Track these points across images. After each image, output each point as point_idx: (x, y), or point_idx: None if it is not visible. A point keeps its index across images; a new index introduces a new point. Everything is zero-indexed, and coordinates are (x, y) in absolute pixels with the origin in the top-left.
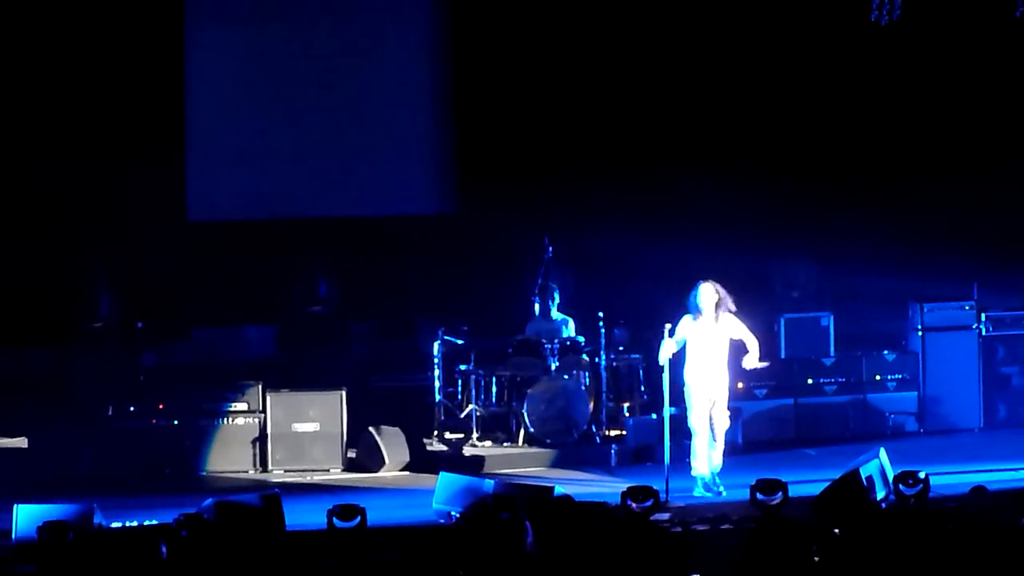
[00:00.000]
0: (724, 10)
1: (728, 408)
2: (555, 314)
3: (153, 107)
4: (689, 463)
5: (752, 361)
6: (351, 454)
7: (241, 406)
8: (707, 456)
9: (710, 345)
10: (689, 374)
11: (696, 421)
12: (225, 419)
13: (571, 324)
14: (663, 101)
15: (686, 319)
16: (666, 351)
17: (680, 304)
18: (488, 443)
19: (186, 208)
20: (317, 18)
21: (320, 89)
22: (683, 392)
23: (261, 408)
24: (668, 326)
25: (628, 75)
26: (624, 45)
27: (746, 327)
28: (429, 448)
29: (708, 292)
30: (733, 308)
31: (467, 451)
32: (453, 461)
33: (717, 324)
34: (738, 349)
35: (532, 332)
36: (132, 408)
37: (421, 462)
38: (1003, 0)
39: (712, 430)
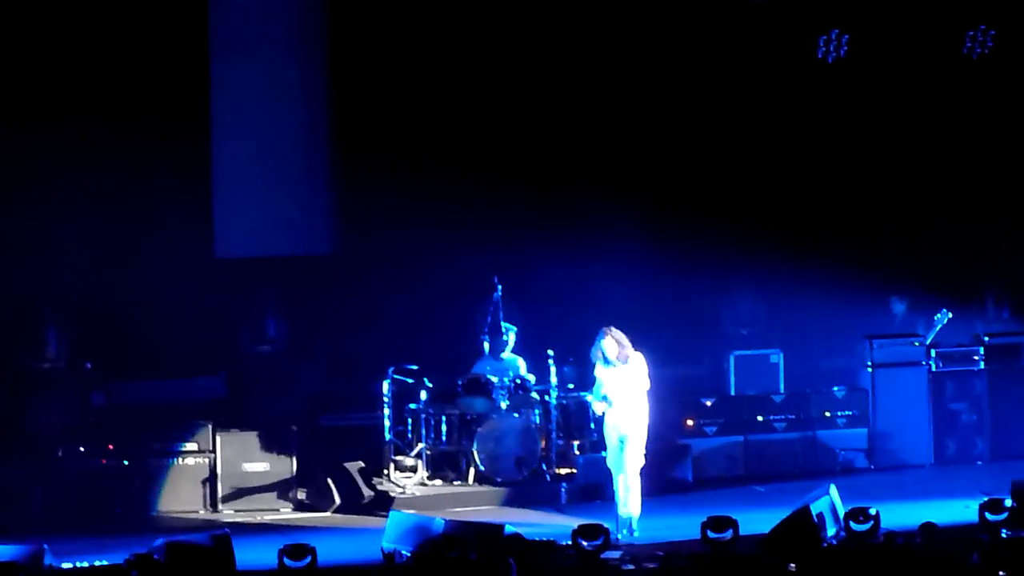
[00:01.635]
0: (665, 45)
1: (646, 451)
2: (507, 355)
3: None
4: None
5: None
6: (301, 494)
7: (191, 446)
8: (624, 496)
9: (619, 389)
10: (605, 417)
11: (611, 462)
12: (175, 459)
13: (521, 363)
14: (610, 140)
15: (597, 366)
16: (598, 408)
17: (632, 341)
18: (438, 482)
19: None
20: None
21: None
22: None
23: (211, 448)
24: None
25: (574, 111)
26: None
27: (647, 372)
28: (379, 487)
29: (610, 343)
30: (631, 353)
31: (417, 490)
32: (403, 500)
33: (624, 368)
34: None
35: (482, 371)
36: (82, 448)
37: (372, 501)
38: (949, 38)
39: (626, 472)
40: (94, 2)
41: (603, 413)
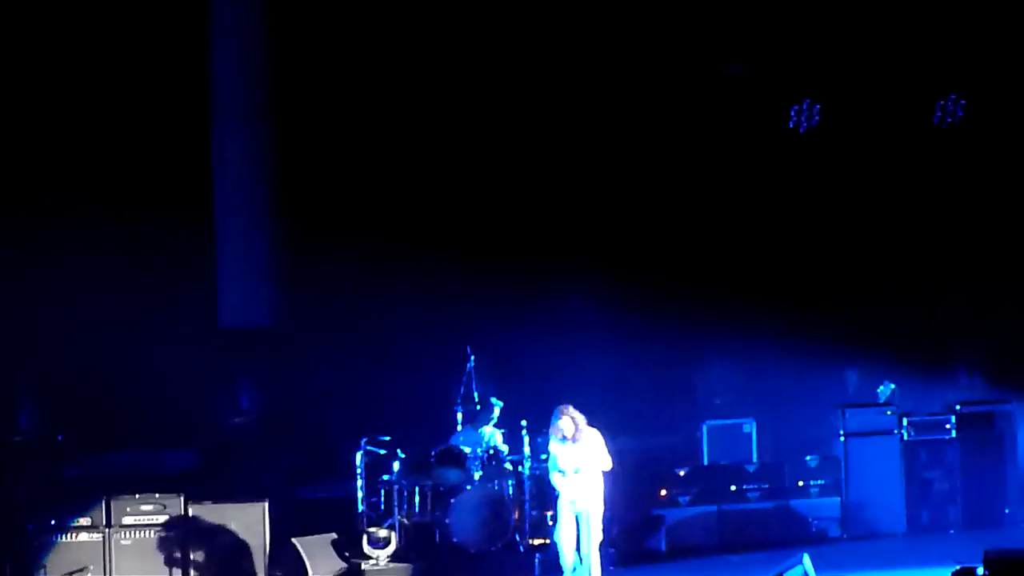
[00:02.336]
0: (639, 115)
1: (602, 525)
2: (489, 428)
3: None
4: (612, 569)
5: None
6: (274, 567)
7: (163, 518)
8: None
9: (575, 464)
10: (560, 491)
11: (560, 535)
12: (148, 531)
13: (498, 435)
14: (584, 209)
15: (553, 442)
16: (557, 481)
17: (604, 413)
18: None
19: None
20: None
21: None
22: (605, 498)
23: (184, 520)
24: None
25: (549, 181)
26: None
27: (603, 446)
28: (352, 560)
29: (566, 422)
30: (585, 430)
31: (391, 563)
32: (375, 572)
33: (579, 445)
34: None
35: (456, 442)
36: (53, 521)
37: (345, 573)
38: (920, 107)
39: (578, 547)
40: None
41: (558, 489)
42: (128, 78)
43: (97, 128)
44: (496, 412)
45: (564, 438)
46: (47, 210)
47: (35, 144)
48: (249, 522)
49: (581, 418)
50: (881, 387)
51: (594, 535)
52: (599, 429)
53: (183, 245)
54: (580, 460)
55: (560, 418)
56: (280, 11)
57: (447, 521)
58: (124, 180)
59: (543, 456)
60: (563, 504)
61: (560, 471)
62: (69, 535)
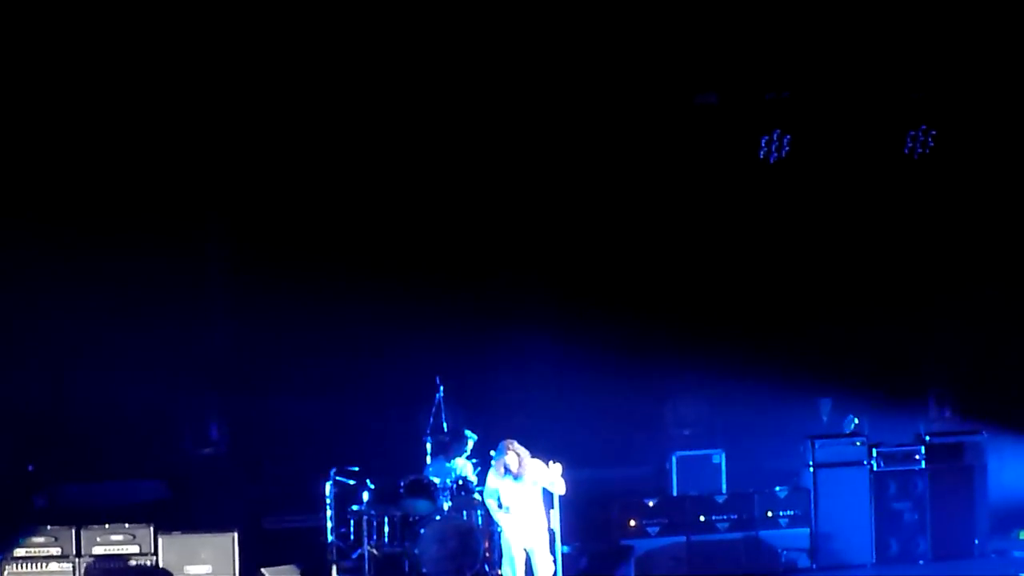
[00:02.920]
0: (609, 148)
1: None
2: (462, 461)
3: None
4: None
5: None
6: None
7: (133, 548)
8: None
9: (521, 498)
10: (504, 527)
11: (506, 572)
12: (117, 562)
13: (469, 467)
14: (551, 241)
15: (492, 476)
16: (500, 518)
17: (573, 444)
18: None
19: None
20: None
21: None
22: (575, 529)
23: (153, 551)
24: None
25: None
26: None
27: (550, 473)
28: None
29: (512, 458)
30: (528, 466)
31: None
32: None
33: (524, 479)
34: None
35: (425, 473)
36: (24, 552)
37: None
38: (891, 138)
39: None
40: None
41: (500, 525)
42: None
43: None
44: (470, 445)
45: (507, 472)
46: (13, 235)
47: None
48: (218, 552)
49: (525, 453)
50: (846, 419)
51: (545, 568)
52: (565, 460)
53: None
54: (524, 495)
55: (505, 453)
56: None
57: (416, 551)
58: (94, 207)
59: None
60: (508, 540)
61: (504, 508)
62: (39, 565)
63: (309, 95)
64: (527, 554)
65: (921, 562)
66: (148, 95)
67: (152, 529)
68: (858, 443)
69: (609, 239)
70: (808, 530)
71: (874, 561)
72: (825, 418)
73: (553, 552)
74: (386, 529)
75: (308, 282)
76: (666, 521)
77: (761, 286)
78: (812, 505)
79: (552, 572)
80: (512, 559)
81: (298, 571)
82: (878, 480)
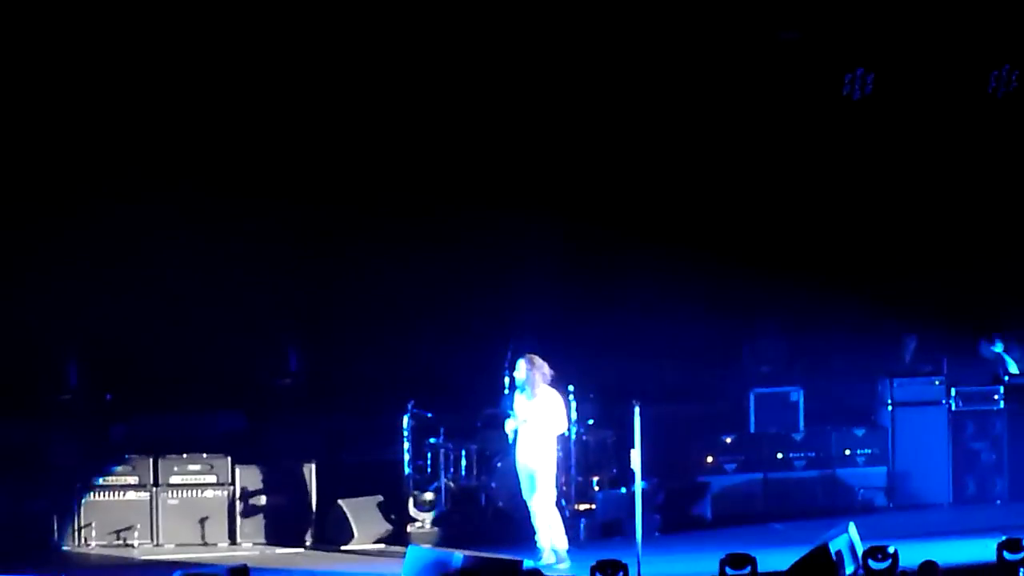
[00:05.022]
0: (694, 84)
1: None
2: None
3: None
4: (657, 535)
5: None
6: (320, 529)
7: (210, 478)
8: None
9: (527, 421)
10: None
11: (525, 494)
12: (194, 492)
13: None
14: (635, 178)
15: (517, 393)
16: (508, 426)
17: (651, 379)
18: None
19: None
20: None
21: None
22: (652, 465)
23: (230, 481)
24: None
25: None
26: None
27: (558, 406)
28: (398, 522)
29: (520, 367)
30: (547, 381)
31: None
32: (421, 535)
33: (533, 400)
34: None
35: (506, 407)
36: (101, 480)
37: (390, 536)
38: (975, 77)
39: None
40: None
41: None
42: None
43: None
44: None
45: (520, 386)
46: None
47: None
48: (296, 483)
49: (541, 370)
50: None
51: (536, 497)
52: (643, 396)
53: None
54: (529, 415)
55: (521, 361)
56: None
57: (493, 485)
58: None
59: (590, 421)
60: (519, 465)
61: (513, 417)
62: (116, 494)
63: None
64: (528, 477)
65: (998, 502)
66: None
67: (229, 460)
68: (937, 382)
69: (691, 177)
70: (885, 469)
71: (951, 501)
72: (908, 357)
73: (630, 488)
74: (463, 463)
75: (390, 216)
76: (743, 458)
77: (842, 224)
78: (889, 444)
79: (544, 504)
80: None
81: (376, 502)
82: (956, 420)
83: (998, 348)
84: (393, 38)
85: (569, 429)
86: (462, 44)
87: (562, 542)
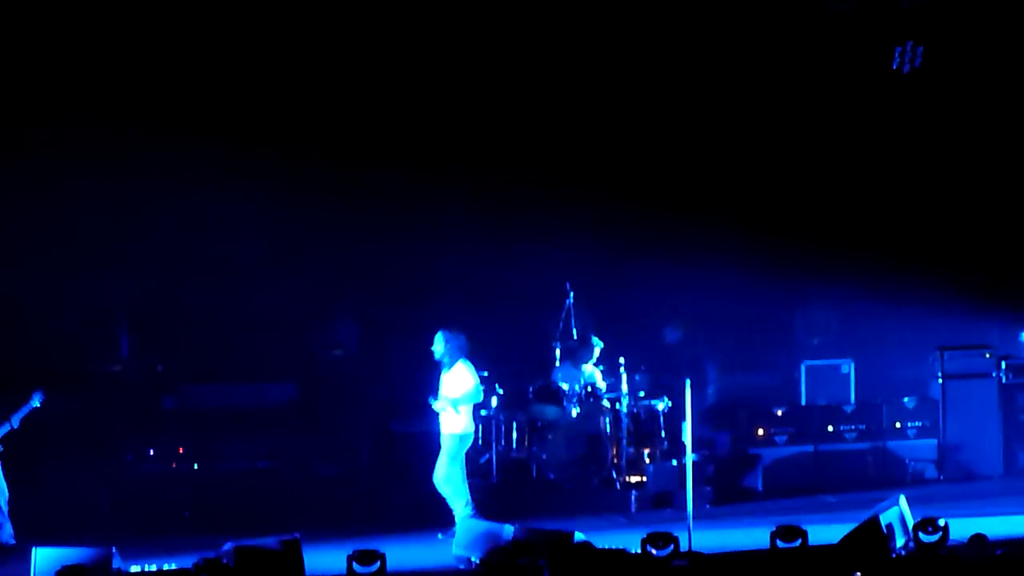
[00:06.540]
0: (744, 57)
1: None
2: (589, 368)
3: None
4: (707, 507)
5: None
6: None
7: (261, 450)
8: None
9: (440, 391)
10: None
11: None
12: (244, 462)
13: (598, 374)
14: (696, 151)
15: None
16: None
17: (702, 351)
18: None
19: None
20: None
21: None
22: (702, 436)
23: (282, 452)
24: None
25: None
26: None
27: (468, 380)
28: None
29: (438, 341)
30: (464, 353)
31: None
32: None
33: (449, 373)
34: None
35: (554, 378)
36: (151, 452)
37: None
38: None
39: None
40: None
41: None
42: None
43: None
44: (596, 352)
45: (437, 359)
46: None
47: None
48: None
49: (452, 342)
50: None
51: (439, 467)
52: (697, 366)
53: None
54: (445, 388)
55: (437, 336)
56: None
57: (543, 456)
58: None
59: (641, 393)
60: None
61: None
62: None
63: None
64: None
65: None
66: None
67: (281, 431)
68: (987, 355)
69: (745, 150)
70: (936, 441)
71: (1002, 473)
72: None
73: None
74: (514, 434)
75: (437, 185)
76: (794, 430)
77: (893, 196)
78: (940, 416)
79: (442, 477)
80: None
81: None
82: (1007, 392)
83: None
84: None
85: (621, 401)
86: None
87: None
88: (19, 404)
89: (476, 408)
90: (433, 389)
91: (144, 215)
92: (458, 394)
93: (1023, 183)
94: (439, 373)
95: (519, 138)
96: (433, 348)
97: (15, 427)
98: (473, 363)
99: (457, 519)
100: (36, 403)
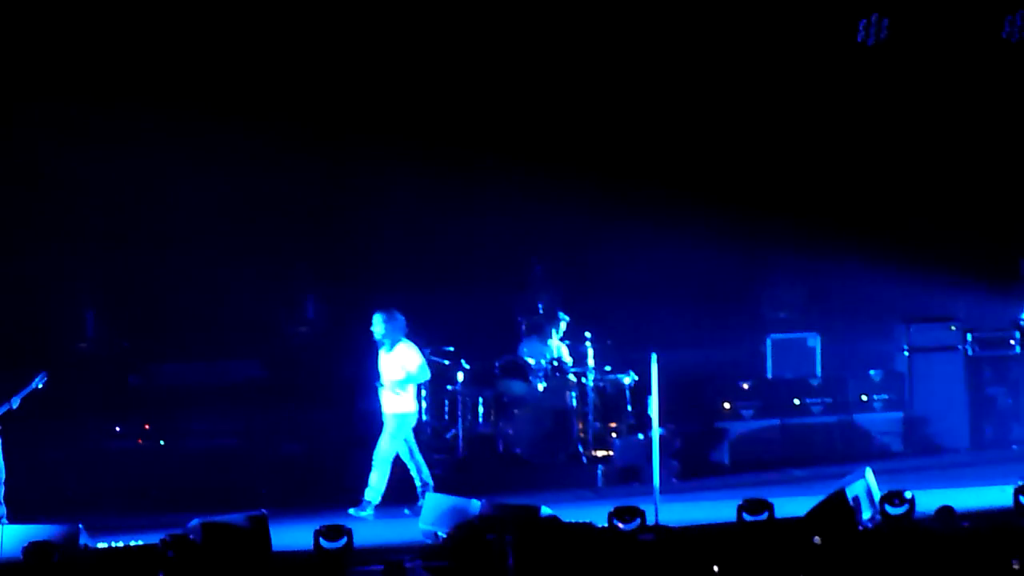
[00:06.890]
0: (711, 32)
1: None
2: (555, 342)
3: None
4: (674, 481)
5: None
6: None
7: (227, 427)
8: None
9: (383, 373)
10: None
11: None
12: (210, 440)
13: (564, 349)
14: (658, 125)
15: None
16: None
17: (668, 326)
18: None
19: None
20: None
21: None
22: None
23: (248, 430)
24: None
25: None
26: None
27: (414, 360)
28: None
29: (377, 322)
30: (404, 333)
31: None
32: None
33: (391, 354)
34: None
35: (523, 353)
36: (118, 429)
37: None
38: (989, 22)
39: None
40: None
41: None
42: None
43: None
44: (563, 326)
45: (377, 340)
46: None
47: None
48: (313, 431)
49: (391, 323)
50: None
51: (381, 445)
52: (660, 341)
53: None
54: (387, 368)
55: (377, 315)
56: None
57: (510, 432)
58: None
59: (607, 368)
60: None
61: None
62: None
63: None
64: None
65: (1015, 447)
66: None
67: (246, 408)
68: (953, 328)
69: (708, 122)
70: (902, 414)
71: (968, 445)
72: None
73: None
74: (480, 409)
75: (402, 161)
76: (760, 404)
77: (857, 169)
78: (906, 389)
79: (382, 457)
80: None
81: None
82: (973, 365)
83: None
84: None
85: (587, 376)
86: None
87: (376, 496)
88: (21, 385)
89: (430, 384)
90: (375, 372)
91: (109, 193)
92: (403, 375)
93: (989, 154)
94: (377, 354)
95: (483, 111)
96: (372, 329)
97: (14, 407)
98: (426, 340)
99: (367, 495)
100: (39, 384)
